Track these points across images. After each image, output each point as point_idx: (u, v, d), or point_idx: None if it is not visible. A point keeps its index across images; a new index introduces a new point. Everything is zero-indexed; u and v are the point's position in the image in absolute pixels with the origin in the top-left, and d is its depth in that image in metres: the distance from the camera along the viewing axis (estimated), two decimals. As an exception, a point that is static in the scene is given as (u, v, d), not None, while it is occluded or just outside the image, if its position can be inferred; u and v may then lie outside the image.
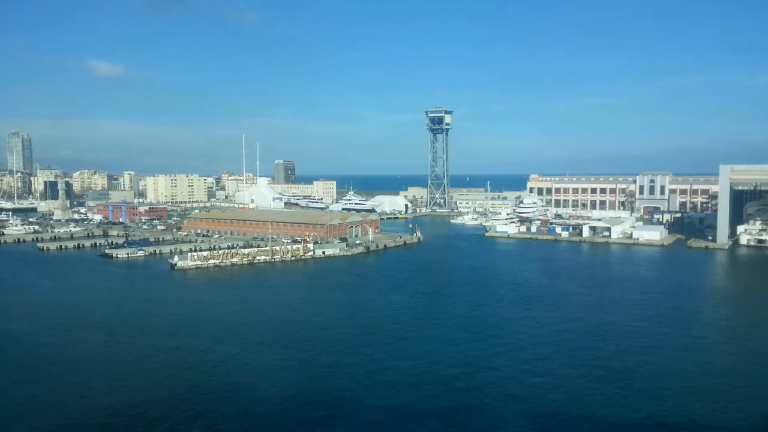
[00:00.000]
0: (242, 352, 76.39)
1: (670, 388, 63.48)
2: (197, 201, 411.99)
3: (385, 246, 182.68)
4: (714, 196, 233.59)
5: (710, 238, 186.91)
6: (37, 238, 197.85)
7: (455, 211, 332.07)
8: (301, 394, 62.46)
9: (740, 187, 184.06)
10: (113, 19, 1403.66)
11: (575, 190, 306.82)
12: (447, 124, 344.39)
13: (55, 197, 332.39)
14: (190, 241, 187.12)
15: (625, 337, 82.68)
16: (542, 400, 60.47)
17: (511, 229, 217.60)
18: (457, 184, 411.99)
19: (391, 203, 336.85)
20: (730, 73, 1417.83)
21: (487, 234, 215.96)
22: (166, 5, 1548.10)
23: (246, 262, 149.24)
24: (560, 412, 57.29)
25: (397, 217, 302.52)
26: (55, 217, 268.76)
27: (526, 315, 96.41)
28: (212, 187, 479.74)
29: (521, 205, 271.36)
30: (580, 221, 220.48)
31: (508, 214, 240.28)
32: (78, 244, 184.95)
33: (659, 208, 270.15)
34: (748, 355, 75.12)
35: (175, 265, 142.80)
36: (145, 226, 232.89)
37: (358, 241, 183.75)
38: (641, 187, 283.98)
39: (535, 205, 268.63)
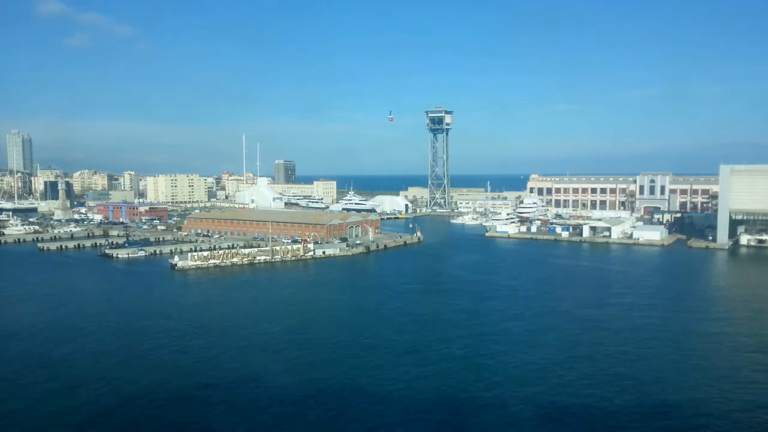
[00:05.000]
0: (246, 351, 76.66)
1: (672, 384, 63.73)
2: (197, 201, 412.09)
3: (386, 246, 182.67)
4: (714, 196, 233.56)
5: (710, 238, 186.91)
6: (37, 238, 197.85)
7: (455, 211, 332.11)
8: (301, 388, 62.68)
9: (737, 217, 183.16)
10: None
11: (575, 190, 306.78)
12: (447, 124, 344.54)
13: (55, 197, 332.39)
14: (191, 241, 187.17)
15: (628, 335, 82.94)
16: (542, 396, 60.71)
17: (511, 229, 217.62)
18: (458, 184, 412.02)
19: (391, 203, 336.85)
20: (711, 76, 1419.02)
21: (487, 234, 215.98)
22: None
23: (246, 262, 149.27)
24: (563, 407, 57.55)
25: (398, 217, 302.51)
26: (55, 217, 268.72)
27: (525, 313, 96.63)
28: (212, 187, 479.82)
29: (521, 205, 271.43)
30: (580, 221, 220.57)
31: (508, 214, 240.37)
32: (78, 244, 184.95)
33: (659, 208, 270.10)
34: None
35: (176, 265, 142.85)
36: (145, 226, 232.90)
37: (358, 241, 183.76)
38: (641, 187, 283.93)
39: (535, 205, 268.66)
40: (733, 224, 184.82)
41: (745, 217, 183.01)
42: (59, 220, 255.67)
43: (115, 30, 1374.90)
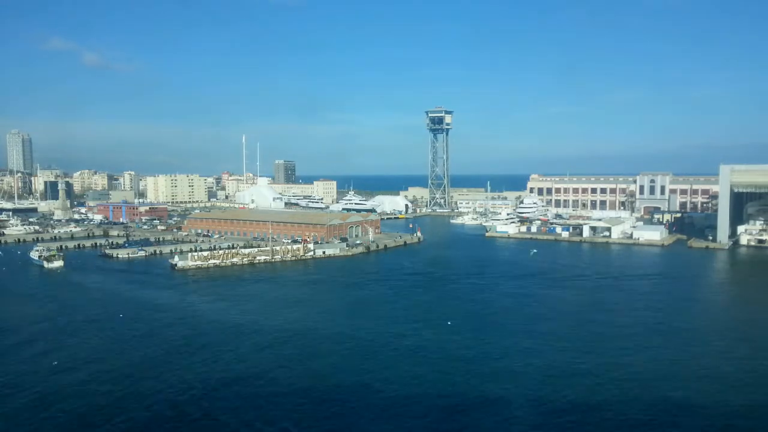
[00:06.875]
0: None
1: (670, 381, 63.86)
2: (197, 201, 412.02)
3: (386, 246, 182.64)
4: (714, 196, 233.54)
5: (711, 238, 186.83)
6: (37, 239, 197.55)
7: (455, 211, 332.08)
8: (303, 388, 62.76)
9: (740, 190, 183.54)
10: (116, 15, 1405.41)
11: (575, 190, 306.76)
12: (447, 124, 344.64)
13: (55, 197, 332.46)
14: (191, 241, 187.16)
15: (627, 333, 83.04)
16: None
17: (511, 229, 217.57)
18: (458, 184, 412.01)
19: (391, 203, 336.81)
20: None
21: (487, 234, 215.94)
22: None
23: (246, 262, 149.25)
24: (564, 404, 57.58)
25: (398, 217, 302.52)
26: (55, 217, 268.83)
27: (524, 310, 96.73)
28: (212, 187, 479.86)
29: (521, 205, 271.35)
30: (580, 221, 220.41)
31: (508, 214, 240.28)
32: (78, 244, 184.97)
33: (659, 208, 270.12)
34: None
35: (176, 265, 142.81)
36: (145, 226, 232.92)
37: (358, 241, 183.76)
38: (641, 187, 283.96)
39: (535, 205, 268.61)
40: (737, 200, 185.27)
41: (748, 190, 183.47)
42: (59, 220, 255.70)
43: (115, 52, 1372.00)
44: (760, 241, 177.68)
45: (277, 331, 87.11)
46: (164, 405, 59.49)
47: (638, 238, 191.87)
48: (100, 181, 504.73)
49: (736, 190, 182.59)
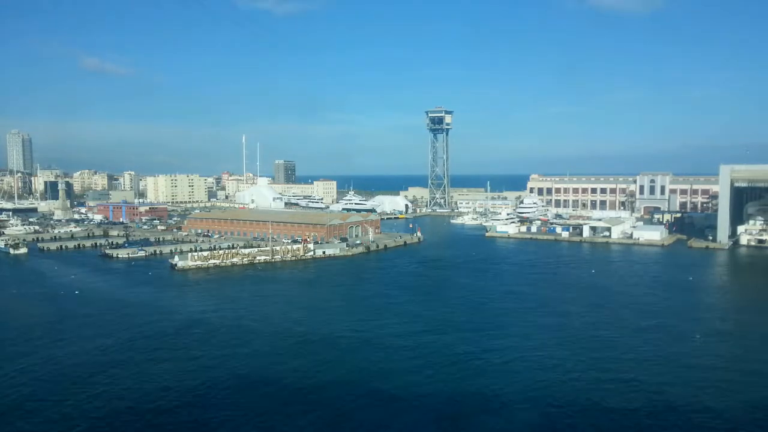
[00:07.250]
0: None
1: (670, 381, 63.86)
2: (197, 201, 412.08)
3: (386, 246, 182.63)
4: (714, 196, 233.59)
5: (710, 238, 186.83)
6: (37, 238, 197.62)
7: (455, 211, 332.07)
8: (303, 388, 62.79)
9: (740, 184, 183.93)
10: (116, 16, 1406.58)
11: (575, 190, 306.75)
12: (447, 124, 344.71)
13: (55, 197, 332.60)
14: (191, 241, 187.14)
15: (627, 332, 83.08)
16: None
17: (511, 229, 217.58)
18: (458, 184, 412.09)
19: (391, 203, 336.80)
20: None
21: (487, 234, 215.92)
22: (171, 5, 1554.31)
23: (246, 262, 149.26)
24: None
25: (398, 217, 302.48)
26: (55, 217, 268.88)
27: (523, 307, 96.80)
28: (212, 187, 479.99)
29: (521, 205, 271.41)
30: (580, 221, 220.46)
31: (508, 214, 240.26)
32: (78, 244, 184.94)
33: (659, 208, 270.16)
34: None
35: (176, 265, 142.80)
36: (145, 226, 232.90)
37: (358, 241, 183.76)
38: (641, 187, 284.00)
39: (535, 205, 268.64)
40: (737, 200, 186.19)
41: (748, 185, 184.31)
42: (59, 220, 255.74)
43: (115, 52, 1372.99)
44: (760, 241, 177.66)
45: (276, 331, 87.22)
46: (156, 407, 59.55)
47: (638, 238, 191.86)
48: (100, 181, 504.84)
49: (735, 185, 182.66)
